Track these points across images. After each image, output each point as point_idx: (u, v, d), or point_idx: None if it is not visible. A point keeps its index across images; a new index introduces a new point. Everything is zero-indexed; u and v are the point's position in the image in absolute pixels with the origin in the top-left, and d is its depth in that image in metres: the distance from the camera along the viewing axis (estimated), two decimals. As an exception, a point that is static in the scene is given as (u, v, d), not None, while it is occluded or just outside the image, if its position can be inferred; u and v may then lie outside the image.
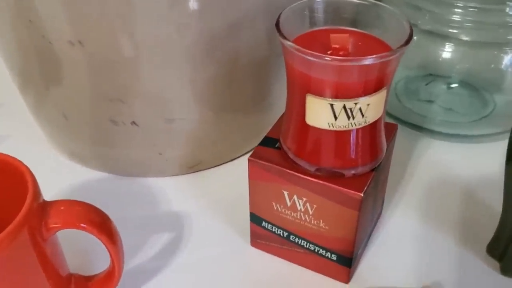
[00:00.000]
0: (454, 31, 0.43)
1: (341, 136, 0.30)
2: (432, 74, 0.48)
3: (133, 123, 0.40)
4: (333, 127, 0.29)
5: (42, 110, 0.43)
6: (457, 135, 0.46)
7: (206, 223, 0.40)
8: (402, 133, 0.41)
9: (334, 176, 0.31)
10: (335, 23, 0.32)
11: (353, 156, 0.31)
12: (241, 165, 0.44)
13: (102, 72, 0.37)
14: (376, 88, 0.29)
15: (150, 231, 0.39)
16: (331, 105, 0.29)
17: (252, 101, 0.43)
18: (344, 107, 0.29)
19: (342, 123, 0.29)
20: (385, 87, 0.29)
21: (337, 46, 0.30)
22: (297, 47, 0.28)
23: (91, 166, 0.45)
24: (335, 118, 0.29)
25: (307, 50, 0.27)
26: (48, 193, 0.31)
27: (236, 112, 0.42)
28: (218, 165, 0.45)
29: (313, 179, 0.32)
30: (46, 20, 0.35)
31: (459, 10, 0.42)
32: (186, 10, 0.34)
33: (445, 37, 0.43)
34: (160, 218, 0.41)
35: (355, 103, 0.29)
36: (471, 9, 0.41)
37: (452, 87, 0.48)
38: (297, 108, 0.31)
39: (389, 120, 0.47)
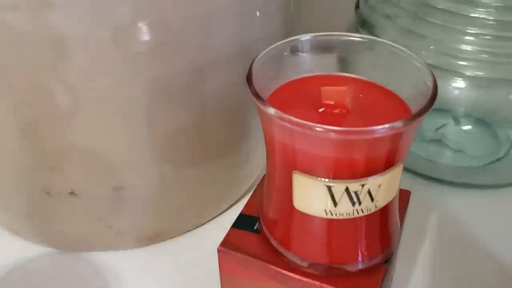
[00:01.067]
0: (465, 63, 0.36)
1: (342, 225, 0.22)
2: (439, 109, 0.40)
3: (72, 193, 0.32)
4: (331, 215, 0.22)
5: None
6: (472, 184, 0.39)
7: (170, 315, 0.32)
8: (408, 182, 0.33)
9: (333, 274, 0.23)
10: (326, 68, 0.24)
11: (358, 250, 0.23)
12: (213, 231, 0.37)
13: (27, 135, 0.29)
14: (389, 163, 0.21)
15: (98, 330, 0.31)
16: (329, 187, 0.21)
17: (225, 154, 0.35)
18: (347, 190, 0.21)
19: (344, 210, 0.21)
20: (401, 161, 0.21)
21: (330, 102, 0.22)
22: (278, 112, 0.20)
23: (28, 239, 0.37)
24: (335, 204, 0.21)
25: (289, 117, 0.19)
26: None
27: (205, 169, 0.34)
28: (185, 232, 0.37)
29: (305, 279, 0.24)
30: None
31: (471, 39, 0.35)
32: (136, 52, 0.27)
33: (454, 72, 0.35)
34: (112, 310, 0.32)
35: (362, 185, 0.21)
36: (486, 37, 0.34)
37: (461, 124, 0.41)
38: (281, 186, 0.23)
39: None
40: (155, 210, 0.34)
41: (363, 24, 0.38)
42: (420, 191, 0.39)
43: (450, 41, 0.35)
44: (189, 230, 0.37)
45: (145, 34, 0.27)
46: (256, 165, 0.38)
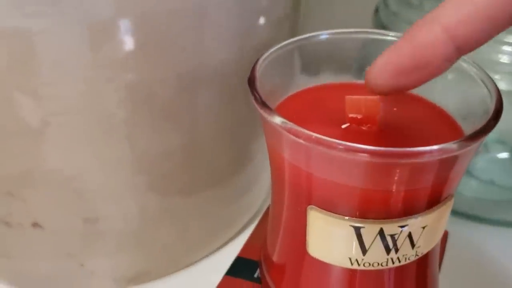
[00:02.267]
0: (500, 77, 0.32)
1: (370, 278, 0.17)
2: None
3: (35, 224, 0.28)
4: (358, 265, 0.16)
5: None
6: (505, 221, 0.35)
7: None
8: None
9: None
10: (349, 74, 0.19)
11: (391, 309, 0.18)
12: (204, 272, 0.32)
13: None
14: (436, 198, 0.16)
15: None
16: (357, 229, 0.16)
17: (220, 182, 0.31)
18: (381, 233, 0.16)
19: (376, 258, 0.16)
20: (451, 194, 0.16)
21: (357, 115, 0.17)
22: (288, 124, 0.15)
23: None
24: (364, 251, 0.16)
25: (303, 130, 0.15)
26: None
27: (196, 200, 0.30)
28: (171, 273, 0.32)
29: None
30: None
31: (509, 49, 0.31)
32: (112, 55, 0.23)
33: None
34: None
35: (401, 226, 0.15)
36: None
37: (492, 151, 0.37)
38: (290, 224, 0.18)
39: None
40: (135, 246, 0.29)
41: (382, 33, 0.34)
42: (454, 230, 0.34)
43: (484, 51, 0.30)
44: (176, 271, 0.32)
45: (124, 31, 0.22)
46: (257, 196, 0.34)
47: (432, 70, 0.16)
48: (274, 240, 0.19)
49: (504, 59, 0.31)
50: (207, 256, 0.33)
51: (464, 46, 0.16)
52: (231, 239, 0.33)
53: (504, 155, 0.36)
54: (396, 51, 0.16)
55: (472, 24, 0.15)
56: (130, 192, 0.27)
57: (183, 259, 0.32)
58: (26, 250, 0.29)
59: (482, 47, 0.31)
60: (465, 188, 0.36)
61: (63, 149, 0.25)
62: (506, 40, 0.30)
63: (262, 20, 0.27)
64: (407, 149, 0.14)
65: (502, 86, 0.32)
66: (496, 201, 0.35)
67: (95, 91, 0.23)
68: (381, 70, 0.16)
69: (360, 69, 0.20)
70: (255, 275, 0.21)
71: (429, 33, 0.15)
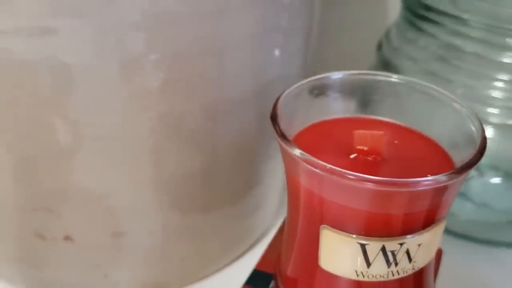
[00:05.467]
0: (493, 111, 0.33)
1: (374, 288, 0.19)
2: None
3: (67, 238, 0.29)
4: (363, 276, 0.19)
5: None
6: (498, 241, 0.36)
7: None
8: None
9: None
10: (356, 110, 0.22)
11: (391, 317, 0.20)
12: (220, 283, 0.34)
13: (22, 172, 0.27)
14: (430, 220, 0.18)
15: None
16: (363, 245, 0.18)
17: (235, 201, 0.33)
18: (383, 249, 0.18)
19: (378, 271, 0.19)
20: (443, 217, 0.19)
21: (364, 147, 0.20)
22: (304, 155, 0.17)
23: (17, 286, 0.34)
24: (368, 264, 0.19)
25: (318, 161, 0.17)
26: None
27: (213, 217, 0.32)
28: (189, 284, 0.34)
29: None
30: None
31: (501, 85, 0.33)
32: (145, 87, 0.25)
33: (481, 119, 0.33)
34: None
35: (400, 244, 0.18)
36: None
37: (487, 176, 0.38)
38: (304, 240, 0.20)
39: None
40: (156, 259, 0.31)
41: (385, 66, 0.36)
42: (449, 251, 0.36)
43: (478, 87, 0.33)
44: (194, 282, 0.34)
45: (156, 67, 0.25)
46: (267, 213, 0.35)
47: None
48: (288, 254, 0.22)
49: (496, 94, 0.32)
50: (221, 268, 0.34)
51: None
52: (244, 253, 0.35)
53: (497, 180, 0.38)
54: None
55: None
56: (155, 210, 0.29)
57: (199, 271, 0.33)
58: (57, 261, 0.30)
59: (475, 83, 0.33)
60: (461, 210, 0.38)
61: (96, 170, 0.27)
62: (498, 76, 0.32)
63: (276, 57, 0.29)
64: (405, 179, 0.17)
65: (494, 119, 0.34)
66: (489, 223, 0.37)
67: (129, 120, 0.25)
68: None
69: (365, 105, 0.23)
70: (270, 286, 0.23)
71: None
